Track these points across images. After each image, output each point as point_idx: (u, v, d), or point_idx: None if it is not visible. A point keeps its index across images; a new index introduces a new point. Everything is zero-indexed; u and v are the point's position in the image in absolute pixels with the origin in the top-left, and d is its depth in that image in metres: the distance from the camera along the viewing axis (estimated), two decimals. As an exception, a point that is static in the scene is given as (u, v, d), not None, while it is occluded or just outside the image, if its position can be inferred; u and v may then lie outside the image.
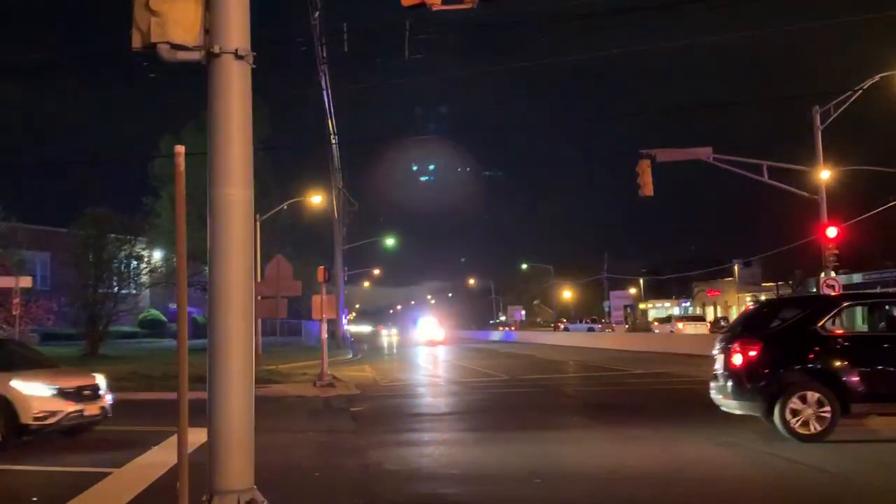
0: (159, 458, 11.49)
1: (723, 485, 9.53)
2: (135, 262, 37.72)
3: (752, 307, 21.72)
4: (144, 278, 40.11)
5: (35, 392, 12.90)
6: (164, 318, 56.80)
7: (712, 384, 13.51)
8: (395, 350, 60.19)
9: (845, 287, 39.13)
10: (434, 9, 10.31)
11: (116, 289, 36.08)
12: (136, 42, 5.04)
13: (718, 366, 13.25)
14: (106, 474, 10.80)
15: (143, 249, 39.14)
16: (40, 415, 12.73)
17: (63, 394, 13.16)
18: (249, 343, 4.70)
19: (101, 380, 14.11)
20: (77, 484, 10.13)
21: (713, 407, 13.37)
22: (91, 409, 13.45)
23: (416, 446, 13.06)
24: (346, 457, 12.29)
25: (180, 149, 6.04)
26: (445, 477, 10.39)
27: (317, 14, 25.06)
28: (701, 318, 74.25)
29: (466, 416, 17.42)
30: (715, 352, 13.65)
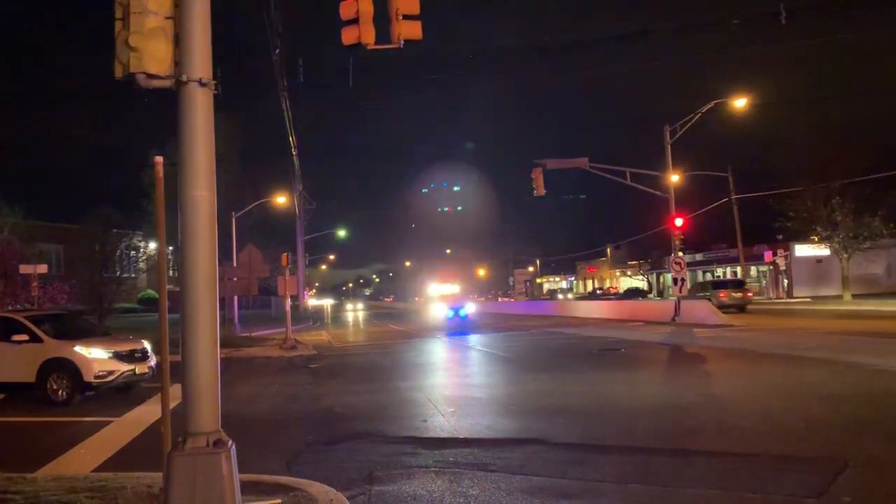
0: (151, 409, 11.24)
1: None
2: (133, 252, 36.73)
3: None
4: (141, 264, 39.29)
5: (95, 355, 12.73)
6: (158, 296, 55.24)
7: None
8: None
9: (689, 263, 40.35)
10: (369, 48, 10.27)
11: (118, 273, 35.07)
12: (118, 72, 4.89)
13: None
14: (108, 422, 10.53)
15: (140, 241, 38.14)
16: (100, 374, 12.62)
17: (118, 356, 13.02)
18: (214, 315, 4.61)
19: (147, 344, 13.92)
20: (84, 431, 9.85)
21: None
22: (141, 369, 13.34)
23: (360, 394, 13.00)
24: (304, 404, 12.18)
25: (159, 159, 5.87)
26: (381, 417, 10.37)
27: (277, 51, 24.59)
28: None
29: (401, 370, 17.41)
30: None
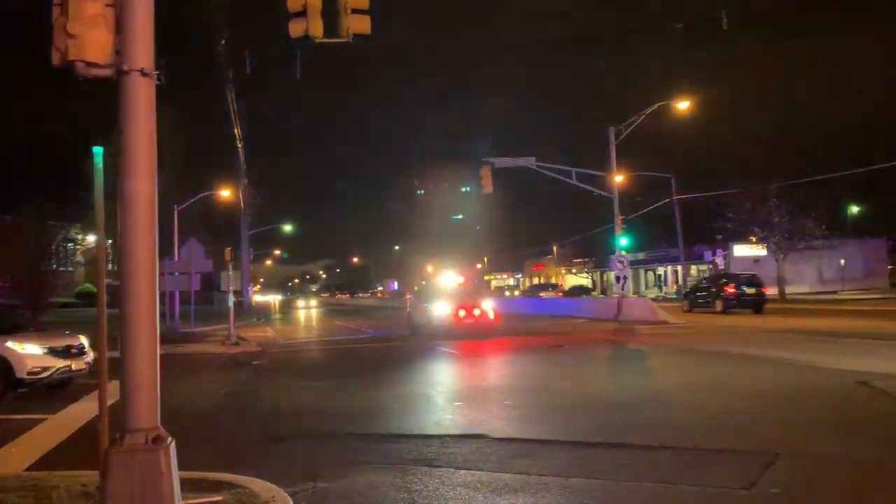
0: (88, 406, 10.92)
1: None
2: (70, 245, 35.53)
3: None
4: (79, 258, 38.08)
5: (29, 351, 12.29)
6: (96, 290, 53.49)
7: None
8: None
9: (631, 262, 41.06)
10: (316, 41, 10.17)
11: (55, 266, 33.91)
12: (56, 60, 4.73)
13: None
14: (42, 420, 10.20)
15: (78, 234, 36.93)
16: (34, 370, 12.18)
17: (53, 352, 12.58)
18: (154, 309, 4.51)
19: (84, 340, 13.51)
20: (15, 430, 9.50)
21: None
22: (77, 364, 12.92)
23: (304, 391, 12.88)
24: (247, 400, 12.02)
25: (98, 149, 5.73)
26: (326, 414, 10.31)
27: (223, 42, 24.15)
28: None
29: (347, 367, 17.34)
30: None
